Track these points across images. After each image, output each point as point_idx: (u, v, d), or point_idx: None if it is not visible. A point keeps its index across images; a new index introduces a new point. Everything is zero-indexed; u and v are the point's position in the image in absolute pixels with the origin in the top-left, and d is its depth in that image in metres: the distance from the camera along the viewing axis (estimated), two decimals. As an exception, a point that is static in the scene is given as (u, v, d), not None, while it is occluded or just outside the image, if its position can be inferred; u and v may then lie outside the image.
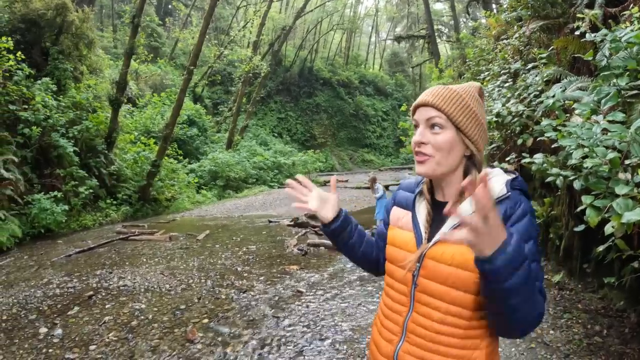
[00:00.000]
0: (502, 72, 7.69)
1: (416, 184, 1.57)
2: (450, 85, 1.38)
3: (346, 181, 27.32)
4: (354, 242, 1.68)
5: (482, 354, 1.32)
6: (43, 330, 4.86)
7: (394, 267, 1.48)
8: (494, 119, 5.97)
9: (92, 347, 4.40)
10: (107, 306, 5.53)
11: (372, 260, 1.71)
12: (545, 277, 5.63)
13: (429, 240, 1.38)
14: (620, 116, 2.86)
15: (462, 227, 1.14)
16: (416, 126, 1.38)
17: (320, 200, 1.64)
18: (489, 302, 1.21)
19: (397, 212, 1.57)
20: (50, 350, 4.38)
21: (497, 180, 1.33)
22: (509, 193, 1.28)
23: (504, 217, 1.25)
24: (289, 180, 1.67)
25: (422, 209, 1.46)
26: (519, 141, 5.42)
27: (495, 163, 6.23)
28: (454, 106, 1.33)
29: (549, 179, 3.63)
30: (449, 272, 1.29)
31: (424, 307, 1.36)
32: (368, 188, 18.30)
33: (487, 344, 1.34)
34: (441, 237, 0.98)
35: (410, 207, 1.52)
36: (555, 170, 3.51)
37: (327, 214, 1.63)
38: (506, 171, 1.41)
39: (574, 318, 4.54)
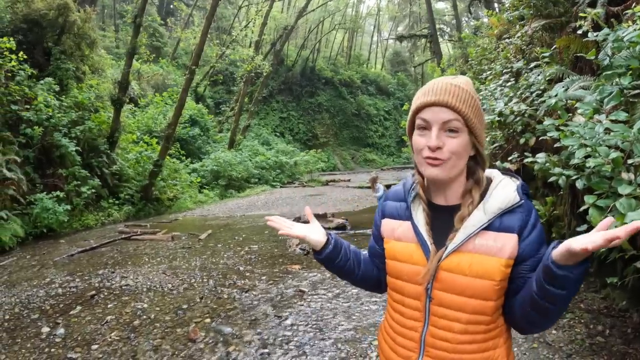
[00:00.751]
0: (504, 71, 7.67)
1: (405, 191, 1.49)
2: (452, 80, 1.31)
3: (348, 180, 27.37)
4: (352, 265, 1.62)
5: (503, 350, 1.33)
6: (45, 329, 4.87)
7: (402, 282, 1.42)
8: (497, 118, 5.95)
9: (94, 347, 4.40)
10: (109, 306, 5.54)
11: (374, 279, 1.66)
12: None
13: (437, 249, 1.33)
14: (622, 115, 2.85)
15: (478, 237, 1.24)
16: (424, 127, 1.29)
17: (305, 227, 1.58)
18: (539, 305, 1.19)
19: (389, 224, 1.50)
20: (52, 350, 4.39)
21: (507, 185, 1.32)
22: (522, 201, 1.28)
23: (521, 226, 1.26)
24: (267, 217, 1.60)
25: (420, 216, 1.40)
26: (522, 140, 5.41)
27: (498, 162, 6.21)
28: (470, 108, 1.27)
29: (552, 178, 3.62)
30: (467, 283, 1.27)
31: (442, 320, 1.33)
32: (370, 187, 18.35)
33: (505, 339, 1.35)
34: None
35: (404, 216, 1.45)
36: (557, 170, 3.49)
37: (319, 237, 1.57)
38: (503, 171, 1.40)
39: (577, 318, 4.52)
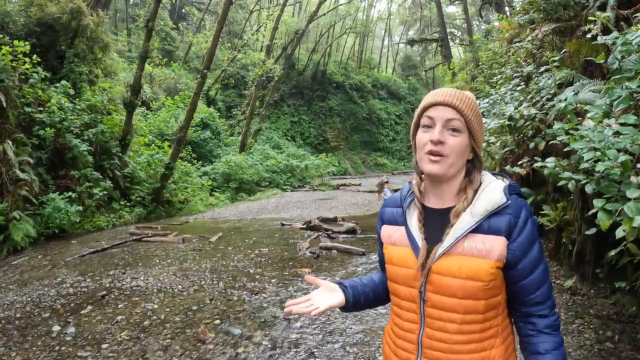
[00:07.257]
0: (514, 75, 7.65)
1: (402, 197, 1.54)
2: (458, 90, 1.40)
3: (359, 185, 27.42)
4: (369, 299, 1.65)
5: (500, 350, 1.35)
6: (56, 328, 4.92)
7: (398, 285, 1.47)
8: (507, 122, 5.94)
9: (104, 346, 4.45)
10: (119, 306, 5.59)
11: (382, 294, 1.67)
12: (558, 282, 5.59)
13: (428, 252, 1.37)
14: (632, 119, 2.83)
15: (467, 239, 1.28)
16: (428, 125, 1.37)
17: (326, 298, 1.59)
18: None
19: (387, 230, 1.55)
20: (62, 348, 4.43)
21: (495, 187, 1.35)
22: (509, 201, 1.31)
23: (509, 228, 1.29)
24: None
25: (415, 221, 1.44)
26: (532, 145, 5.39)
27: (508, 167, 6.19)
28: (471, 112, 1.35)
29: (561, 182, 3.61)
30: (458, 285, 1.30)
31: (437, 321, 1.36)
32: (378, 192, 18.40)
33: (503, 339, 1.37)
34: None
35: (400, 221, 1.49)
36: (567, 174, 3.48)
37: (339, 300, 1.59)
38: (494, 173, 1.44)
39: (586, 323, 4.49)
